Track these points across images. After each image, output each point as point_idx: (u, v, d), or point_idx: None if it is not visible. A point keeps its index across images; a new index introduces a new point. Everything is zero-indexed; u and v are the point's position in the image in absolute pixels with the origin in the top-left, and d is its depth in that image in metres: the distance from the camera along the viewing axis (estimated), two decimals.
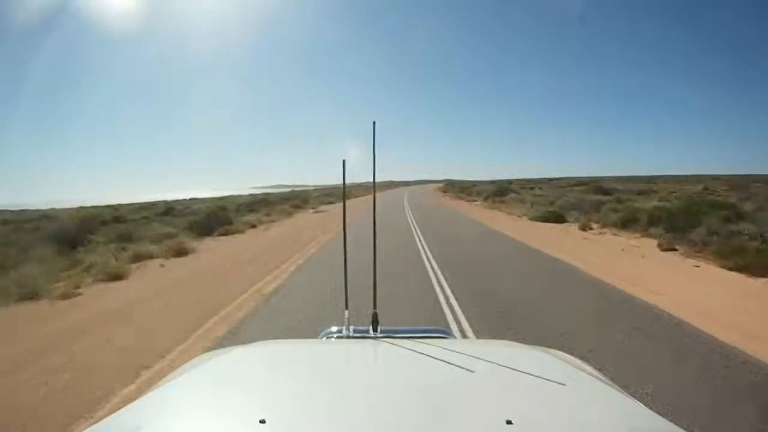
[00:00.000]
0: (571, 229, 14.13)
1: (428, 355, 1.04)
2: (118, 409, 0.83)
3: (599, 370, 1.13)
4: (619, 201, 18.68)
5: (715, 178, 57.87)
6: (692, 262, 8.26)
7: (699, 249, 8.67)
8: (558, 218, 16.21)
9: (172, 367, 3.12)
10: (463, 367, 0.96)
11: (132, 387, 3.77)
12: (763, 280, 6.82)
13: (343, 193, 1.37)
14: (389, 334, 1.32)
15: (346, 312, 1.39)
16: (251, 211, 23.55)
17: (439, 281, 7.30)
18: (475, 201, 33.63)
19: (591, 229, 13.56)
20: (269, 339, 1.54)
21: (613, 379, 1.03)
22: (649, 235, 11.07)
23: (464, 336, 4.66)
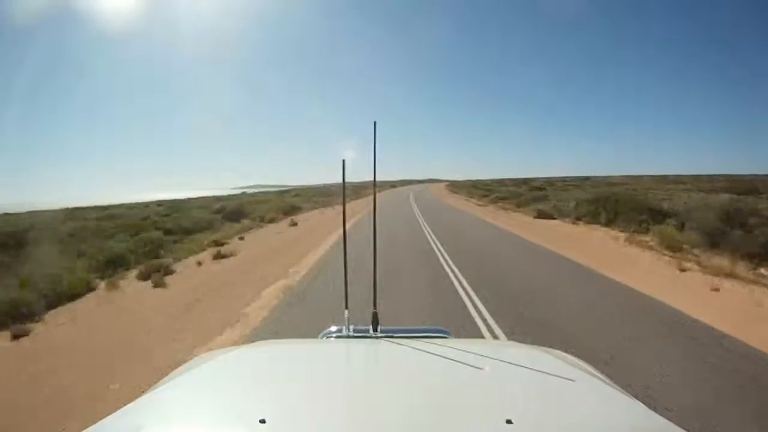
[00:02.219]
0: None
1: (429, 354, 1.04)
2: None
3: (597, 367, 1.16)
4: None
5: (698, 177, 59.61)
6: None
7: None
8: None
9: None
10: (463, 367, 0.97)
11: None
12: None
13: (343, 194, 1.35)
14: (389, 334, 1.32)
15: (346, 312, 1.38)
16: None
17: None
18: None
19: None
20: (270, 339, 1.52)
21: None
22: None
23: None
